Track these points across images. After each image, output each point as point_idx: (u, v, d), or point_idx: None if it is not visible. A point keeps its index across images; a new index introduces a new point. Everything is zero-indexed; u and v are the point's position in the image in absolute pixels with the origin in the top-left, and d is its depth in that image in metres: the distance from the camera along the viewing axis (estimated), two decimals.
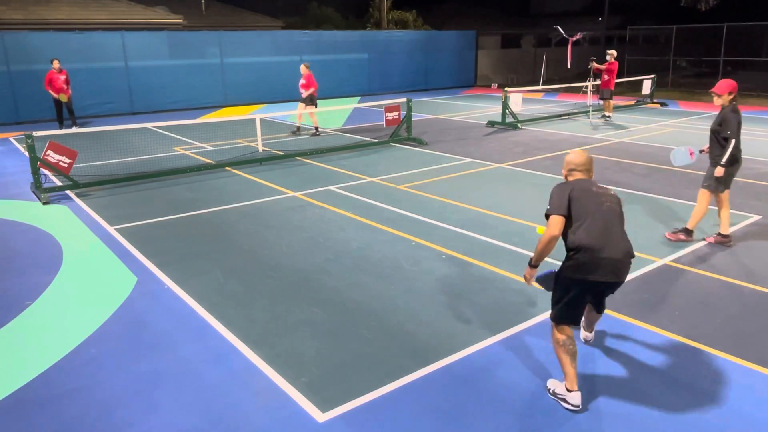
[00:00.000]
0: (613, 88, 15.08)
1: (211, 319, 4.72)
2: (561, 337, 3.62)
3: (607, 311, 4.63)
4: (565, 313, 3.62)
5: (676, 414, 3.47)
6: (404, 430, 3.37)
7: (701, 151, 6.47)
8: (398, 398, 3.66)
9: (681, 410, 3.51)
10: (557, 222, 3.49)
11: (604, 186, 3.72)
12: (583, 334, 4.27)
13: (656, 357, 4.09)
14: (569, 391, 3.59)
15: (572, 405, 3.56)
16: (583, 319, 4.23)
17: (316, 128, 13.79)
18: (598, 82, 15.73)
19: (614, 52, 14.97)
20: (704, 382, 3.79)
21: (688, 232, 6.31)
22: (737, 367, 3.95)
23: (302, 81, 13.31)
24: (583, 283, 3.51)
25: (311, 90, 13.21)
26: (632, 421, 3.42)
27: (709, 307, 4.81)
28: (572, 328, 3.69)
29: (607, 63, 14.85)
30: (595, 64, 15.37)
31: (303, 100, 13.36)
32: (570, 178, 3.74)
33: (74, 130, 11.59)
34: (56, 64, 14.36)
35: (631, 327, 4.50)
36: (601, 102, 15.49)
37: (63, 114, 14.72)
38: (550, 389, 3.75)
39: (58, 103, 14.53)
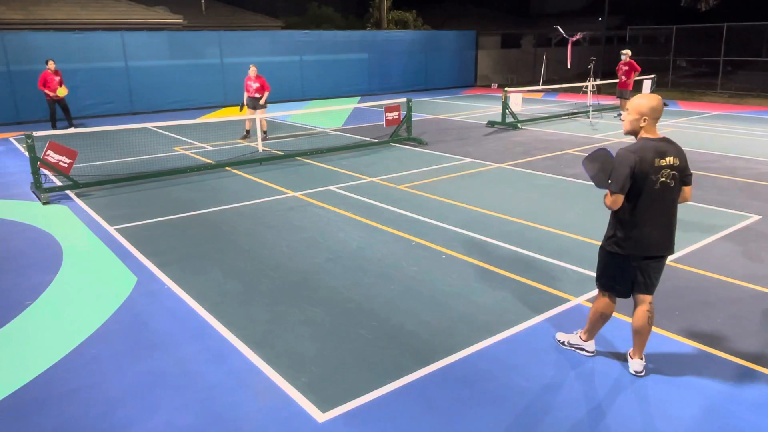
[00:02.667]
0: (631, 88, 15.11)
1: (211, 319, 4.72)
2: (601, 305, 3.91)
3: None
4: (603, 280, 3.88)
5: (675, 414, 3.48)
6: (404, 430, 3.37)
7: None
8: (398, 398, 3.66)
9: (680, 410, 3.51)
10: (619, 200, 3.56)
11: (666, 143, 3.68)
12: (633, 365, 3.91)
13: (656, 357, 4.08)
14: (585, 340, 4.08)
15: (589, 351, 4.08)
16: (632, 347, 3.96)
17: (265, 132, 13.00)
18: (598, 81, 15.75)
19: (629, 52, 15.10)
20: (703, 381, 3.79)
21: None
22: (737, 366, 3.95)
23: (256, 84, 12.25)
24: (619, 256, 3.70)
25: (266, 93, 12.39)
26: (631, 421, 3.42)
27: (709, 307, 4.81)
28: (612, 299, 3.89)
29: (621, 62, 15.00)
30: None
31: (261, 105, 12.35)
32: (642, 131, 3.73)
33: (72, 130, 11.55)
34: (51, 65, 13.97)
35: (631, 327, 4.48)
36: (620, 101, 15.56)
37: (57, 114, 14.43)
38: (564, 342, 4.18)
39: (51, 104, 14.19)
